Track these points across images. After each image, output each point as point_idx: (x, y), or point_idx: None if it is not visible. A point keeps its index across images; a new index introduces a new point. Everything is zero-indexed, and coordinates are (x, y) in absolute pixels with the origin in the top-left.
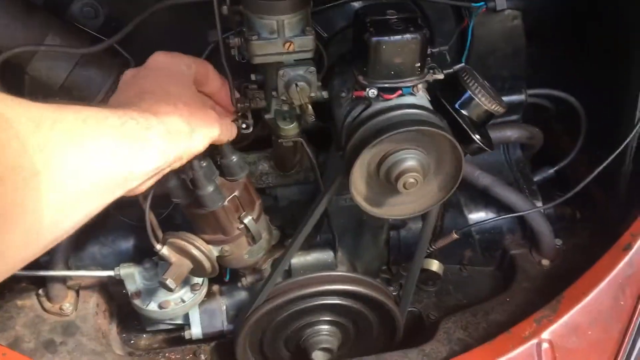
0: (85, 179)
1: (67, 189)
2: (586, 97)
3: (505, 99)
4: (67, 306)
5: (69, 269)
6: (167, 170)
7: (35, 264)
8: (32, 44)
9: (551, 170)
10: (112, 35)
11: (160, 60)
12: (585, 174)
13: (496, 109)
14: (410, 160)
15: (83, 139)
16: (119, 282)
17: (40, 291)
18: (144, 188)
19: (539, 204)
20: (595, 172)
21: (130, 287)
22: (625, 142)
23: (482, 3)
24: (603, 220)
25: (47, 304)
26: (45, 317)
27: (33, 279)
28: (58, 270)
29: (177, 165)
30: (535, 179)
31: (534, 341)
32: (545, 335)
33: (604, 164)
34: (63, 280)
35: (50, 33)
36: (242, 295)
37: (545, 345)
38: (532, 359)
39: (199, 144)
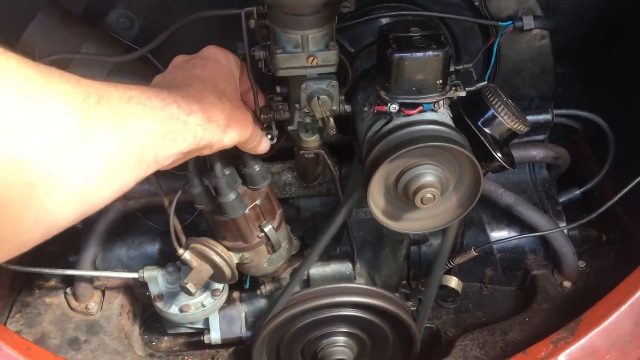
0: (123, 154)
1: (106, 160)
2: (615, 118)
3: (531, 118)
4: (93, 305)
5: (96, 269)
6: (197, 154)
7: (64, 264)
8: (68, 53)
9: (577, 192)
10: (146, 45)
11: (213, 52)
12: (612, 197)
13: (519, 127)
14: (429, 175)
15: (125, 117)
16: (143, 284)
17: (68, 290)
18: (172, 165)
19: (563, 224)
20: (620, 194)
21: (153, 290)
22: None
23: (510, 22)
24: (629, 244)
25: (74, 303)
26: (71, 316)
27: (62, 278)
28: (86, 270)
29: (205, 152)
30: (561, 200)
31: None
32: (562, 357)
33: (630, 186)
34: (90, 280)
35: (86, 42)
36: (261, 303)
37: None
38: None
39: (230, 140)
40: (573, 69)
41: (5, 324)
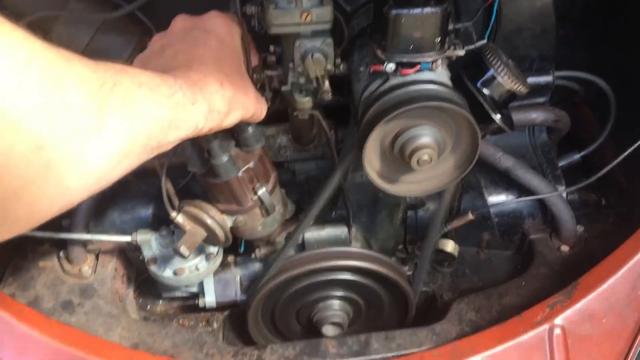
0: (133, 141)
1: (118, 147)
2: (617, 81)
3: (532, 80)
4: (86, 269)
5: (88, 233)
6: (195, 136)
7: (57, 228)
8: (54, 9)
9: (577, 156)
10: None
11: (216, 23)
12: (612, 160)
13: (519, 89)
14: (425, 136)
15: (136, 105)
16: (137, 248)
17: (61, 253)
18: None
19: (562, 189)
20: (620, 158)
21: (147, 253)
22: None
23: None
24: (628, 208)
25: (67, 266)
26: (65, 279)
27: (55, 241)
28: (78, 234)
29: (203, 133)
30: (561, 164)
31: (546, 326)
32: (558, 320)
33: (630, 150)
34: (83, 243)
35: None
36: (256, 266)
37: (557, 331)
38: (543, 344)
39: (230, 122)
40: (575, 30)
41: None
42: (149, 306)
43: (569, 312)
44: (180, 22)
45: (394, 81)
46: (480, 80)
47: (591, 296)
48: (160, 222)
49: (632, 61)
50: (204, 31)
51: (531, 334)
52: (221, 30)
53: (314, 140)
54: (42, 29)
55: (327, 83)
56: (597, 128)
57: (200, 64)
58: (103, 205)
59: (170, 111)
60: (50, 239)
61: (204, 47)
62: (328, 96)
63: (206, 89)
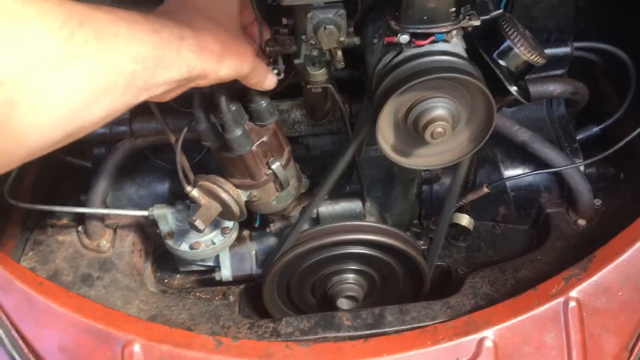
0: (110, 77)
1: (91, 81)
2: (638, 53)
3: (550, 51)
4: (104, 243)
5: (107, 208)
6: (192, 85)
7: (76, 203)
8: None
9: (596, 129)
10: None
11: None
12: (632, 134)
13: (536, 59)
14: (439, 109)
15: (111, 40)
16: (154, 223)
17: (80, 228)
18: (169, 97)
19: (579, 161)
20: (638, 131)
21: (164, 228)
22: None
23: None
24: None
25: (86, 241)
26: (84, 253)
27: (74, 216)
28: (96, 208)
29: (201, 83)
30: (579, 137)
31: (561, 299)
32: (574, 293)
33: None
34: (101, 218)
35: None
36: (271, 241)
37: (572, 304)
38: (558, 317)
39: (227, 71)
40: (595, 1)
41: (19, 262)
42: (166, 280)
43: (584, 285)
44: None
45: (407, 53)
46: (497, 51)
47: (607, 269)
48: (177, 197)
49: None
50: None
51: (546, 307)
52: None
53: (328, 115)
54: None
55: (339, 53)
56: (617, 101)
57: (191, 8)
58: (120, 181)
59: (155, 48)
60: (70, 213)
61: None
62: (341, 65)
63: (196, 27)
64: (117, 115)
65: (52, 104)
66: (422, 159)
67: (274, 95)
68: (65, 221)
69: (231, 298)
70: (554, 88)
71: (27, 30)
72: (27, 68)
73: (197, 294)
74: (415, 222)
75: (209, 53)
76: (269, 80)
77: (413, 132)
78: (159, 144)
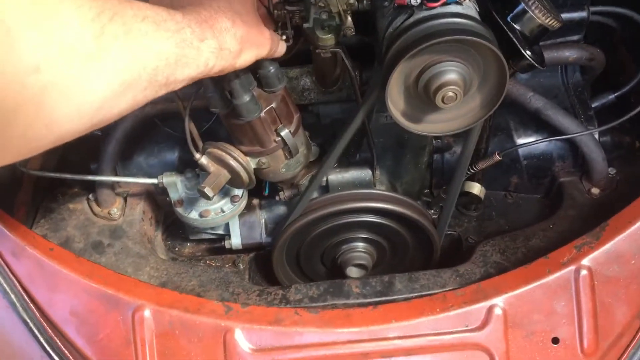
0: (136, 73)
1: (118, 77)
2: None
3: (565, 15)
4: (115, 211)
5: (117, 176)
6: (207, 77)
7: (86, 171)
8: None
9: (612, 96)
10: None
11: None
12: None
13: (551, 23)
14: (451, 72)
15: (138, 37)
16: (164, 191)
17: (90, 196)
18: (180, 87)
19: (594, 129)
20: None
21: (173, 195)
22: None
23: None
24: None
25: (97, 209)
26: (95, 221)
27: (85, 184)
28: (106, 176)
29: (216, 74)
30: (594, 104)
31: (572, 267)
32: (585, 262)
33: None
34: (111, 186)
35: None
36: (281, 209)
37: (583, 272)
38: (569, 285)
39: (244, 62)
40: None
41: (30, 229)
42: (177, 248)
43: (596, 254)
44: None
45: (419, 15)
46: (511, 15)
47: (620, 237)
48: (186, 165)
49: None
50: None
51: (557, 275)
52: None
53: (338, 81)
54: None
55: (349, 18)
56: (634, 68)
57: (211, 1)
58: (130, 149)
59: (178, 47)
60: (80, 182)
61: None
62: (351, 31)
63: (216, 27)
64: (137, 108)
65: (82, 94)
66: (433, 125)
67: (283, 62)
68: (75, 189)
69: (241, 266)
70: (570, 54)
71: (62, 21)
72: (62, 57)
73: (208, 261)
74: (426, 191)
75: (228, 52)
76: (280, 49)
77: (424, 97)
78: (168, 111)
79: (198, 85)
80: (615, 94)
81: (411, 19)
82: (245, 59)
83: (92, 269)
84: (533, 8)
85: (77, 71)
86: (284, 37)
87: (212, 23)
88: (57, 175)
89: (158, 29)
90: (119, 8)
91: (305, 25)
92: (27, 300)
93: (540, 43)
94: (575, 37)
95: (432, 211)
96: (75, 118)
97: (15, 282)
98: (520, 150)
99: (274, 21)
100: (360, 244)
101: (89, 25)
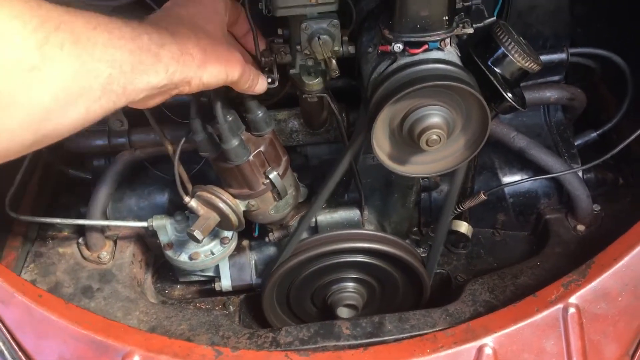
0: (85, 82)
1: (65, 85)
2: (634, 59)
3: (546, 57)
4: (105, 255)
5: (107, 219)
6: (175, 91)
7: (76, 215)
8: None
9: (594, 134)
10: None
11: None
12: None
13: (531, 66)
14: (434, 116)
15: (88, 45)
16: (154, 233)
17: (80, 240)
18: (151, 104)
19: (577, 167)
20: (636, 134)
21: (163, 238)
22: None
23: None
24: None
25: (86, 252)
26: (84, 265)
27: (74, 228)
28: (95, 220)
29: (185, 90)
30: (577, 142)
31: (560, 305)
32: (573, 300)
33: None
34: (101, 230)
35: None
36: (271, 250)
37: (572, 310)
38: (558, 323)
39: (212, 77)
40: (594, 7)
41: (20, 274)
42: (166, 290)
43: (583, 291)
44: (168, 2)
45: (402, 61)
46: (491, 58)
47: (606, 275)
48: (177, 208)
49: None
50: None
51: (545, 313)
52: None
53: (325, 124)
54: None
55: (334, 62)
56: (615, 106)
57: (174, 18)
58: (120, 192)
59: (133, 54)
60: (70, 225)
61: (180, 7)
62: (336, 73)
63: (177, 34)
64: (95, 120)
65: (24, 106)
66: (419, 167)
67: (271, 105)
68: (66, 233)
69: (231, 308)
70: (551, 94)
71: (1, 31)
72: (1, 69)
73: (198, 304)
74: (414, 229)
75: (190, 59)
76: (260, 84)
77: (408, 140)
78: (158, 155)
79: (187, 129)
80: (597, 132)
81: (394, 65)
82: (213, 73)
83: (81, 315)
84: (513, 52)
85: (17, 83)
86: (270, 80)
87: (173, 30)
88: (47, 220)
89: (111, 37)
90: (67, 17)
91: (292, 71)
92: (16, 347)
93: (522, 84)
94: (556, 77)
95: (421, 249)
96: (18, 130)
97: (3, 329)
98: (506, 189)
99: (261, 68)
100: (350, 284)
101: (31, 35)
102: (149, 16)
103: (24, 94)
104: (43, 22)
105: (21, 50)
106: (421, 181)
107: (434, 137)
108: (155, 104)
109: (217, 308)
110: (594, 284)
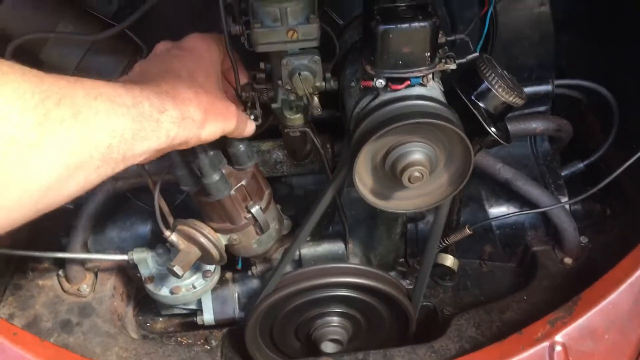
0: (86, 155)
1: (65, 159)
2: (621, 89)
3: (531, 89)
4: (85, 288)
5: (87, 251)
6: (171, 149)
7: (57, 245)
8: (43, 31)
9: (581, 165)
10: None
11: (195, 43)
12: (618, 170)
13: (514, 101)
14: (416, 153)
15: (89, 116)
16: (136, 266)
17: (60, 272)
18: (145, 162)
19: (565, 199)
20: (624, 167)
21: (144, 272)
22: None
23: None
24: (634, 219)
25: (66, 285)
26: (64, 298)
27: (55, 260)
28: (76, 253)
29: (182, 147)
30: (564, 173)
31: (546, 343)
32: (559, 337)
33: (634, 158)
34: (81, 262)
35: (63, 20)
36: (254, 283)
37: (558, 348)
38: None
39: (209, 135)
40: (580, 37)
41: None
42: (148, 323)
43: (569, 329)
44: (161, 45)
45: (384, 97)
46: (475, 93)
47: (592, 312)
48: (159, 239)
49: (634, 67)
50: (181, 49)
51: (531, 351)
52: (198, 47)
53: (310, 155)
54: (31, 50)
55: (316, 99)
56: (602, 136)
57: (173, 76)
58: (102, 223)
59: (134, 122)
60: (50, 258)
61: (178, 61)
62: (318, 111)
63: (178, 97)
64: (91, 187)
65: (22, 184)
66: (401, 202)
67: (255, 136)
68: (46, 265)
69: (213, 342)
70: (537, 125)
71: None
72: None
73: (179, 338)
74: (401, 260)
75: (191, 122)
76: (249, 129)
77: (391, 175)
78: (140, 185)
79: (168, 161)
80: (584, 163)
81: (377, 101)
82: (211, 130)
83: (56, 353)
84: (496, 87)
85: (16, 161)
86: (252, 116)
87: (174, 94)
88: (26, 253)
89: (112, 106)
90: (68, 90)
91: (274, 105)
92: None
93: (508, 115)
94: (543, 108)
95: (407, 281)
96: (16, 207)
97: None
98: (493, 221)
99: (243, 102)
100: (335, 319)
101: (31, 113)
102: (146, 68)
103: (22, 172)
104: (44, 100)
105: (21, 129)
106: (407, 212)
107: (417, 174)
108: (151, 160)
109: (199, 343)
110: (580, 321)
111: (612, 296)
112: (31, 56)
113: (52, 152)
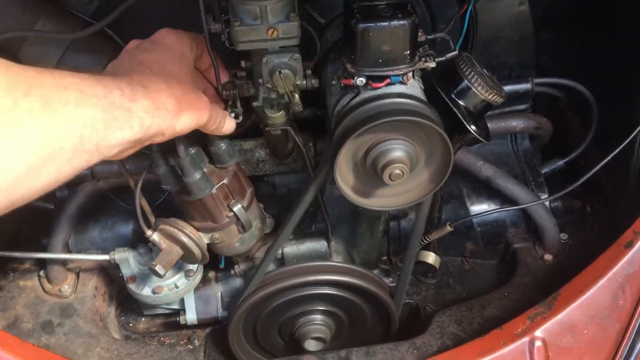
0: (56, 145)
1: (34, 149)
2: (601, 87)
3: (511, 87)
4: (66, 288)
5: (69, 251)
6: (148, 142)
7: (38, 246)
8: (21, 29)
9: (560, 162)
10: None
11: (165, 37)
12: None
13: (494, 98)
14: (397, 151)
15: (58, 106)
16: (117, 266)
17: (41, 272)
18: (125, 155)
19: (545, 196)
20: (602, 163)
21: (126, 272)
22: (634, 133)
23: None
24: (613, 215)
25: (47, 286)
26: (45, 299)
27: (36, 260)
28: (57, 253)
29: (158, 140)
30: (544, 170)
31: (526, 339)
32: (539, 333)
33: (611, 155)
34: (63, 262)
35: (42, 18)
36: (237, 282)
37: (538, 343)
38: (524, 356)
39: (184, 125)
40: (559, 35)
41: None
42: (131, 324)
43: (549, 324)
44: (132, 43)
45: (364, 95)
46: (455, 91)
47: (572, 307)
48: (141, 238)
49: (613, 65)
50: (152, 42)
51: (512, 347)
52: (169, 40)
53: (292, 154)
54: (9, 49)
55: (297, 97)
56: (582, 133)
57: (144, 67)
58: (83, 223)
59: (105, 111)
60: (31, 258)
61: (149, 53)
62: (299, 108)
63: (149, 87)
64: (67, 179)
65: None
66: (382, 200)
67: (237, 134)
68: (27, 265)
69: (196, 342)
70: (517, 123)
71: None
72: None
73: (162, 338)
74: (384, 258)
75: (165, 112)
76: (228, 124)
77: (372, 173)
78: (121, 185)
79: (150, 161)
80: (564, 160)
81: (357, 99)
82: (186, 121)
83: (37, 355)
84: (476, 85)
85: None
86: (233, 114)
87: (146, 84)
88: (7, 253)
89: (82, 96)
90: (36, 80)
91: (255, 103)
92: None
93: (488, 113)
94: (523, 106)
95: (390, 279)
96: None
97: None
98: (474, 218)
99: (223, 101)
100: (318, 317)
101: None
102: (118, 63)
103: None
104: (11, 88)
105: None
106: (389, 210)
107: (397, 171)
108: (128, 155)
109: (181, 342)
110: (560, 316)
111: (591, 291)
112: (9, 54)
113: (21, 141)
